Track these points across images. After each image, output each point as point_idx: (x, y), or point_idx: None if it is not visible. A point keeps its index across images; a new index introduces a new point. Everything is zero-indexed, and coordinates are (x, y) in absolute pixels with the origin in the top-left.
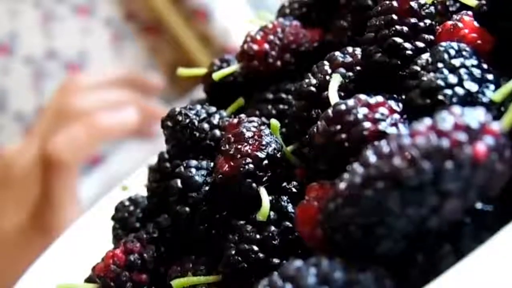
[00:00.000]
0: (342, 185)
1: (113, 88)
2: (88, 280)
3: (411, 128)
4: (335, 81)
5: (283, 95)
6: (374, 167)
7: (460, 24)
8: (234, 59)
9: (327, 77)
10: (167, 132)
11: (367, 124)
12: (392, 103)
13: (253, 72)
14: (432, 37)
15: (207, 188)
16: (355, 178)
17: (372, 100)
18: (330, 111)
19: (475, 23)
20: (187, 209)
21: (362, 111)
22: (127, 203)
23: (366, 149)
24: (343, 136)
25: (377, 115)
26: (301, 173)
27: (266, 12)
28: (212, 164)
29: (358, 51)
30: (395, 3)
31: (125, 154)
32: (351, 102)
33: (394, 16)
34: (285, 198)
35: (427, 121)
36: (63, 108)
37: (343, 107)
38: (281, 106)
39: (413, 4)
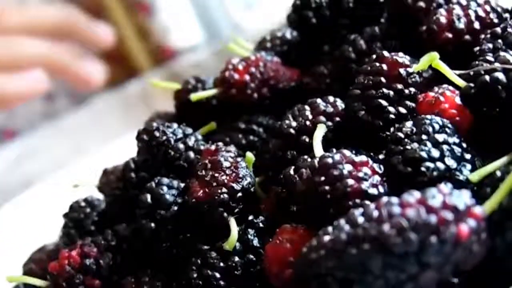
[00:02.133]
0: (326, 238)
1: (40, 35)
2: (37, 275)
3: (401, 198)
4: (320, 131)
5: (255, 127)
6: (361, 228)
7: (441, 98)
8: (208, 80)
9: (307, 123)
10: (141, 145)
11: (351, 181)
12: (375, 164)
13: (229, 100)
14: (414, 104)
15: (175, 208)
16: (341, 235)
17: (357, 158)
18: (316, 162)
19: (456, 100)
20: (153, 224)
21: (347, 168)
22: (83, 203)
23: (353, 208)
24: (327, 188)
25: (361, 174)
26: (266, 208)
27: (242, 40)
28: (182, 185)
29: (339, 102)
30: (385, 67)
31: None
32: (337, 156)
33: (383, 79)
34: (251, 231)
35: (417, 194)
36: None
37: (329, 160)
38: (251, 137)
39: (402, 71)
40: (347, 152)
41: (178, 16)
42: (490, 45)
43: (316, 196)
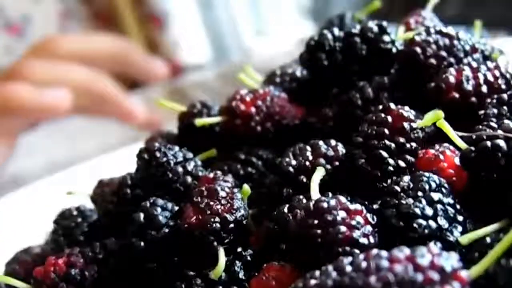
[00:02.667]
0: (313, 282)
1: (92, 62)
2: (20, 276)
3: (391, 253)
4: (318, 174)
5: (254, 159)
6: (348, 277)
7: (441, 157)
8: (214, 106)
9: (307, 163)
10: (141, 163)
11: (343, 228)
12: (368, 214)
13: (233, 129)
14: (413, 159)
15: (167, 230)
16: (328, 281)
17: (352, 206)
18: (311, 204)
19: (455, 160)
20: (142, 244)
21: (341, 214)
22: (74, 212)
23: (342, 255)
24: (319, 231)
25: (353, 222)
26: (256, 241)
27: (253, 71)
28: (176, 208)
29: (340, 146)
30: (389, 119)
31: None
32: (332, 202)
33: (386, 131)
34: (239, 263)
35: (406, 251)
36: (13, 67)
37: (324, 204)
38: (249, 169)
39: (406, 125)
40: (342, 199)
41: (189, 32)
42: (495, 111)
43: (308, 238)
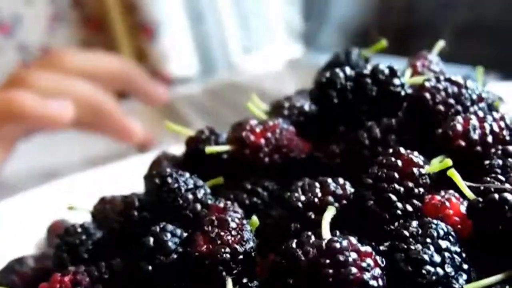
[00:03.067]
0: None
1: (95, 79)
2: None
3: None
4: (330, 213)
5: (260, 190)
6: None
7: (447, 204)
8: (222, 134)
9: (316, 200)
10: (151, 187)
11: (354, 270)
12: (377, 257)
13: (241, 159)
14: (420, 204)
15: (175, 256)
16: None
17: (362, 248)
18: (324, 243)
19: (461, 208)
20: (150, 268)
21: (352, 256)
22: (79, 229)
23: None
24: (330, 271)
25: (364, 264)
26: (261, 272)
27: (259, 102)
28: (184, 234)
29: (347, 185)
30: (399, 163)
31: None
32: (344, 243)
33: (396, 175)
34: None
35: None
36: (20, 74)
37: (337, 245)
38: (255, 199)
39: (415, 170)
40: (353, 240)
41: (178, 45)
42: (500, 162)
43: (319, 276)
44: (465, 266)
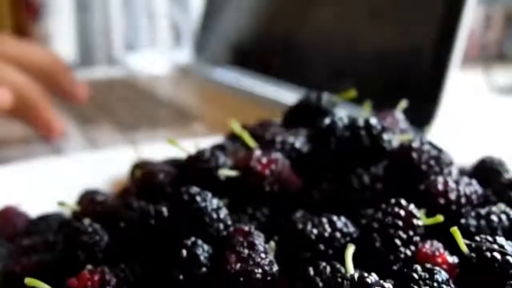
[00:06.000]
0: None
1: (24, 70)
2: None
3: None
4: (350, 250)
5: (259, 215)
6: None
7: (437, 253)
8: (220, 156)
9: (326, 234)
10: (177, 201)
11: None
12: None
13: (244, 186)
14: (415, 250)
15: (204, 269)
16: None
17: (386, 284)
18: (356, 277)
19: (448, 258)
20: (182, 277)
21: None
22: (90, 229)
23: None
24: None
25: None
26: None
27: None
28: (211, 251)
29: (349, 225)
30: (402, 213)
31: None
32: (372, 279)
33: (400, 223)
34: None
35: None
36: None
37: (369, 280)
38: (255, 224)
39: (414, 221)
40: (376, 276)
41: (59, 29)
42: (475, 222)
43: None
44: None
